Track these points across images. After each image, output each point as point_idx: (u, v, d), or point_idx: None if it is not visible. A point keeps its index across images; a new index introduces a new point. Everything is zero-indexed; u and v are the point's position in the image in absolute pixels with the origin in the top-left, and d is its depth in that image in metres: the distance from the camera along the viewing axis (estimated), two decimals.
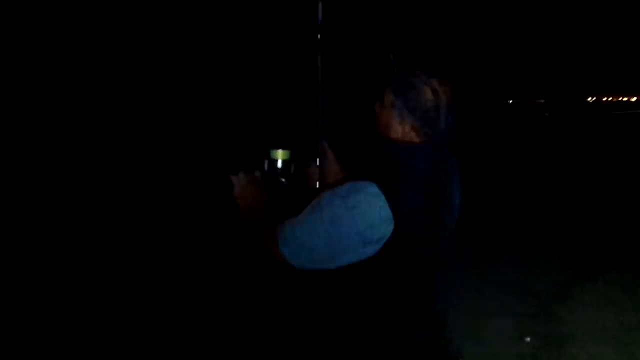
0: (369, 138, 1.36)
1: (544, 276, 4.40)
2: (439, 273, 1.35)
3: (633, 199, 7.31)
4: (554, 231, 5.77)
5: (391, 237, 1.20)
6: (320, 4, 1.41)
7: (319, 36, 1.44)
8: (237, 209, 1.50)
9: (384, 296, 1.28)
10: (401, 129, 1.31)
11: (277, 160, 1.53)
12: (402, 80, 1.31)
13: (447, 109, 1.29)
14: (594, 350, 3.19)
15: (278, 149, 1.53)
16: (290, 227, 1.28)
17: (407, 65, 1.36)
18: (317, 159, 1.55)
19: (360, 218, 1.19)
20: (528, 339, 3.28)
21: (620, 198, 7.47)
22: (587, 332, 3.42)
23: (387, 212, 1.19)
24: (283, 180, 1.54)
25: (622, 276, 4.36)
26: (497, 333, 3.37)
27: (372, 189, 1.20)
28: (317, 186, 1.58)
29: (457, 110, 1.31)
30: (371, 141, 1.35)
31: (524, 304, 3.83)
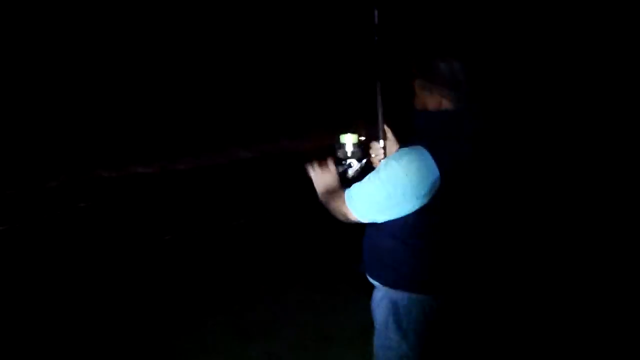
0: (414, 114, 1.66)
1: None
2: (490, 224, 1.62)
3: None
4: None
5: (439, 190, 1.49)
6: (376, 12, 1.71)
7: (375, 38, 1.74)
8: (314, 190, 1.83)
9: (429, 239, 1.59)
10: (434, 100, 1.60)
11: (345, 144, 1.84)
12: (422, 61, 1.61)
13: (465, 72, 1.56)
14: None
15: (346, 133, 1.83)
16: (356, 188, 1.64)
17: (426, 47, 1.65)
18: (380, 141, 1.83)
19: (412, 175, 1.50)
20: None
21: None
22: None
23: (435, 169, 1.48)
24: (352, 161, 1.84)
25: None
26: None
27: (421, 150, 1.50)
28: None
29: (476, 75, 1.57)
30: (415, 115, 1.65)
31: None
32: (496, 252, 1.74)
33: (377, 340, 1.77)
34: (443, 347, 1.71)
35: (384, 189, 1.56)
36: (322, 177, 1.80)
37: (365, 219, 1.65)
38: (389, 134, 1.86)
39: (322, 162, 1.82)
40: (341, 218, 1.72)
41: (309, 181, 1.86)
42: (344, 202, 1.66)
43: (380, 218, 1.62)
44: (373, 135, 1.84)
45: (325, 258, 4.46)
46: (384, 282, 1.72)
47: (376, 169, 1.63)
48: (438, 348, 1.71)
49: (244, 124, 9.85)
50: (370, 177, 1.62)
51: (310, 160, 1.85)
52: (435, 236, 1.61)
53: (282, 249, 4.82)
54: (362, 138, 1.84)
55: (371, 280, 1.78)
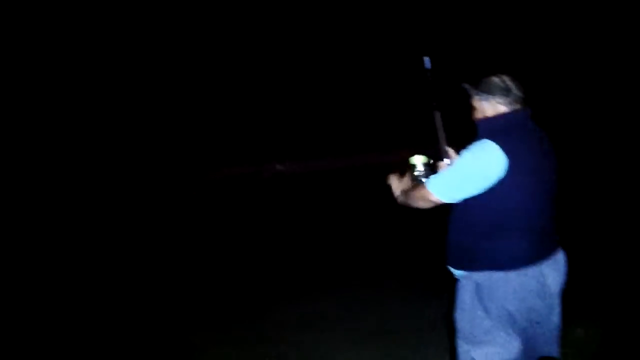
0: (477, 123, 2.09)
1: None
2: (542, 200, 2.01)
3: None
4: None
5: (505, 170, 1.90)
6: (426, 59, 2.17)
7: (429, 78, 2.19)
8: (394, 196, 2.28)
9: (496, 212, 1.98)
10: (492, 107, 2.03)
11: (416, 165, 2.24)
12: (479, 80, 2.06)
13: (512, 81, 2.01)
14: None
15: (415, 155, 2.25)
16: (436, 176, 2.09)
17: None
18: (445, 160, 2.24)
19: (481, 160, 1.93)
20: None
21: None
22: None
23: (500, 153, 1.90)
24: (423, 178, 2.23)
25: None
26: None
27: (490, 143, 1.92)
28: None
29: (519, 83, 2.02)
30: (479, 124, 2.08)
31: None
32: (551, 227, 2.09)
33: (462, 319, 2.11)
34: (522, 317, 2.02)
35: (458, 171, 2.00)
36: (400, 183, 2.25)
37: (445, 198, 2.04)
38: (452, 153, 2.25)
39: (397, 175, 2.28)
40: (423, 204, 2.11)
41: (389, 188, 2.29)
42: (425, 188, 2.08)
43: (458, 195, 2.02)
44: (438, 155, 2.24)
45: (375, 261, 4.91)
46: (467, 268, 2.09)
47: (454, 161, 2.09)
48: (516, 319, 2.02)
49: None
50: (448, 167, 2.09)
51: (391, 172, 2.30)
52: (508, 219, 1.98)
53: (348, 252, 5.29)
54: (430, 159, 2.24)
55: (453, 270, 2.16)
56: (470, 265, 2.08)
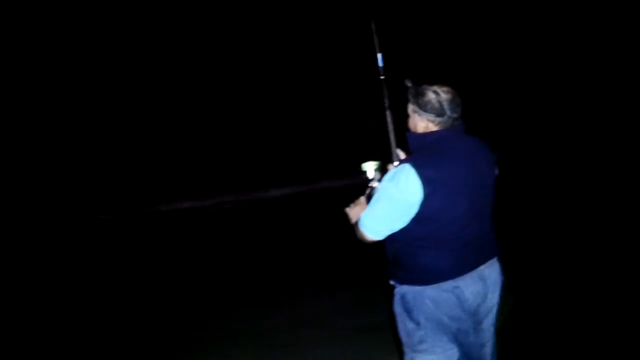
0: (407, 134, 2.04)
1: None
2: (471, 213, 1.97)
3: None
4: None
5: (425, 197, 1.86)
6: (379, 55, 2.08)
7: (381, 77, 2.11)
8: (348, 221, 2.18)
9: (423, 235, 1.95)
10: (423, 124, 1.97)
11: (367, 171, 2.15)
12: (415, 91, 1.98)
13: (449, 102, 1.92)
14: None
15: (366, 162, 2.16)
16: (363, 215, 2.01)
17: (420, 80, 2.03)
18: (395, 162, 2.16)
19: (402, 189, 1.87)
20: None
21: None
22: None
23: (418, 181, 1.85)
24: (375, 183, 2.14)
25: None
26: None
27: (408, 167, 1.87)
28: None
29: (459, 101, 1.94)
30: (409, 136, 2.03)
31: None
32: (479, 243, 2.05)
33: (399, 329, 2.12)
34: (450, 326, 2.02)
35: (382, 207, 1.95)
36: (354, 212, 2.14)
37: (379, 236, 2.01)
38: (402, 155, 2.18)
39: (355, 200, 2.17)
40: (366, 241, 2.06)
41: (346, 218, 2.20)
42: (359, 229, 2.03)
43: (388, 231, 1.99)
44: (389, 158, 2.17)
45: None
46: (394, 279, 2.09)
47: (377, 192, 2.00)
48: (446, 328, 2.02)
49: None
50: (372, 202, 2.01)
51: (347, 202, 2.20)
52: (428, 238, 1.96)
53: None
54: (380, 163, 2.16)
55: (390, 281, 2.13)
56: (395, 277, 2.09)
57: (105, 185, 9.49)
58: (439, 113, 1.94)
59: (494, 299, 2.12)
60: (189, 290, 4.96)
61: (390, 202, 1.92)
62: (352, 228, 2.12)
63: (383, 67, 2.11)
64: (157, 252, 6.38)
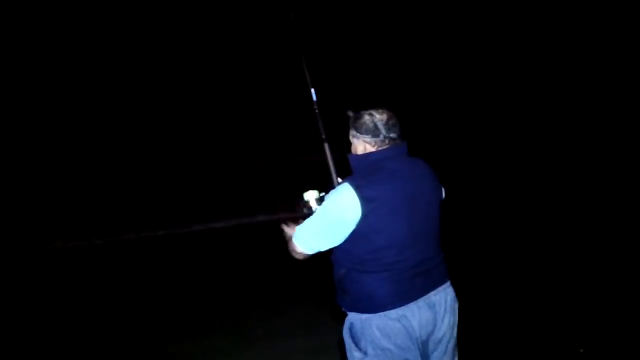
0: (348, 157, 2.08)
1: None
2: (415, 236, 1.99)
3: None
4: None
5: (362, 215, 1.90)
6: (313, 90, 2.13)
7: (316, 111, 2.16)
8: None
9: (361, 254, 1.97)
10: (362, 146, 2.03)
11: (309, 201, 2.18)
12: (353, 118, 2.05)
13: (384, 123, 1.99)
14: None
15: (307, 191, 2.19)
16: (299, 227, 2.05)
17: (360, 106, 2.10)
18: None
19: (339, 207, 1.92)
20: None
21: None
22: None
23: (356, 200, 1.89)
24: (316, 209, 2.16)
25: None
26: None
27: (346, 186, 1.92)
28: None
29: (395, 122, 2.01)
30: (349, 158, 2.08)
31: None
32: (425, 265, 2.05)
33: (348, 357, 2.10)
34: (398, 356, 1.98)
35: (318, 222, 1.99)
36: (289, 228, 2.16)
37: (311, 250, 2.04)
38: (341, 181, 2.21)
39: (290, 222, 2.19)
40: (297, 256, 2.09)
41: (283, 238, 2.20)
42: (292, 241, 2.07)
43: (322, 246, 2.02)
44: (330, 188, 2.19)
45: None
46: (341, 305, 2.10)
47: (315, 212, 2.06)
48: (395, 357, 1.98)
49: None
50: (309, 217, 2.06)
51: (284, 222, 2.22)
52: (371, 260, 1.97)
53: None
54: (322, 193, 2.19)
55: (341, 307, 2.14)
56: (343, 303, 2.10)
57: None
58: (375, 134, 1.99)
59: (444, 328, 2.07)
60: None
61: (327, 217, 1.96)
62: (286, 244, 2.15)
63: (316, 101, 2.17)
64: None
